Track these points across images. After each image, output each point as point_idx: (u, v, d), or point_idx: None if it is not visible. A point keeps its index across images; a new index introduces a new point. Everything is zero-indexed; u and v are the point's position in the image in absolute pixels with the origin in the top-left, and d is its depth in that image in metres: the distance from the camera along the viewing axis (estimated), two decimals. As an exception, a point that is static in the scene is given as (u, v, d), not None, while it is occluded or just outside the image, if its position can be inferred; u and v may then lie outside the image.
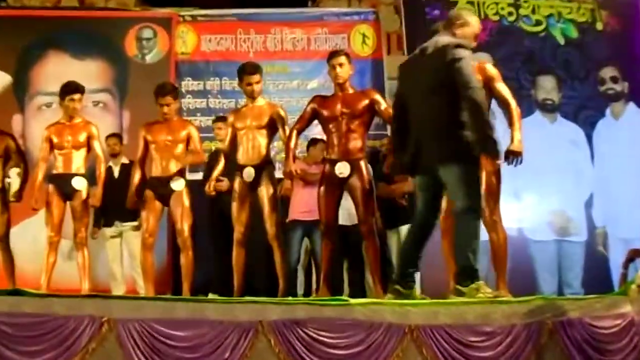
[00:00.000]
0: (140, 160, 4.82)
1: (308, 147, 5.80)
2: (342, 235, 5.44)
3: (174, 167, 4.71)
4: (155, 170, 4.75)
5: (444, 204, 3.79)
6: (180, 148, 4.74)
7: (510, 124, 3.67)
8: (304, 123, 4.46)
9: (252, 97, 4.66)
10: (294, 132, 4.42)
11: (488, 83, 3.71)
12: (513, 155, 3.48)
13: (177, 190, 4.66)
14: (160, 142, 4.72)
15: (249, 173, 4.54)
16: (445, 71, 3.31)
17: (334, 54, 4.43)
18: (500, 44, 6.79)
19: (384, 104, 4.34)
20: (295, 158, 4.43)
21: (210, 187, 4.71)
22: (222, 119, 5.57)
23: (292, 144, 4.37)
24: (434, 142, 3.36)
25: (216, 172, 4.73)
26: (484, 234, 3.71)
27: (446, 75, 3.32)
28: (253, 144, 4.57)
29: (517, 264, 5.59)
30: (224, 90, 6.77)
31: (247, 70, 4.64)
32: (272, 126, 4.60)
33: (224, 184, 4.99)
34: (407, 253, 3.55)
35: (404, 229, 5.44)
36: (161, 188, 4.68)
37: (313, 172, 5.24)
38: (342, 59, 4.35)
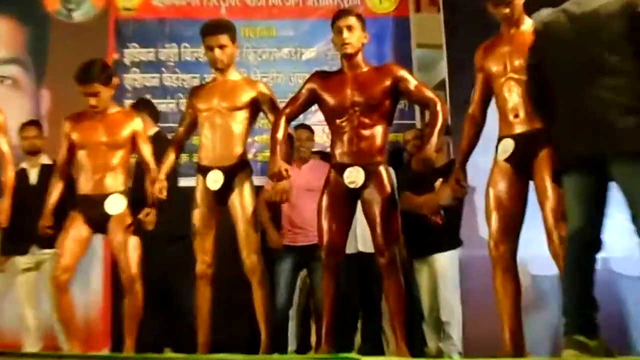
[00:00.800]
0: (63, 167, 4.88)
1: None
2: (356, 266, 5.57)
3: (112, 181, 4.77)
4: (85, 186, 4.77)
5: (495, 221, 3.92)
6: (121, 153, 4.80)
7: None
8: (297, 107, 4.49)
9: (216, 68, 4.71)
10: (282, 119, 4.44)
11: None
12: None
13: (116, 214, 4.72)
14: (91, 145, 4.77)
15: (215, 178, 4.57)
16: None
17: (340, 14, 4.45)
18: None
19: (414, 81, 4.37)
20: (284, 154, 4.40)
21: (157, 190, 4.64)
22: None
23: (279, 134, 4.38)
24: (609, 123, 3.36)
25: (162, 171, 4.69)
26: (548, 263, 3.79)
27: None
28: (222, 136, 4.61)
29: (600, 307, 5.71)
30: (184, 61, 6.88)
31: (208, 30, 4.69)
32: (252, 111, 4.65)
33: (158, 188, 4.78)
34: (577, 289, 3.53)
35: (440, 258, 5.60)
36: (93, 211, 4.72)
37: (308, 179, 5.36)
38: (352, 19, 4.36)
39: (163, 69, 6.90)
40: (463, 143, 4.24)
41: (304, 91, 4.48)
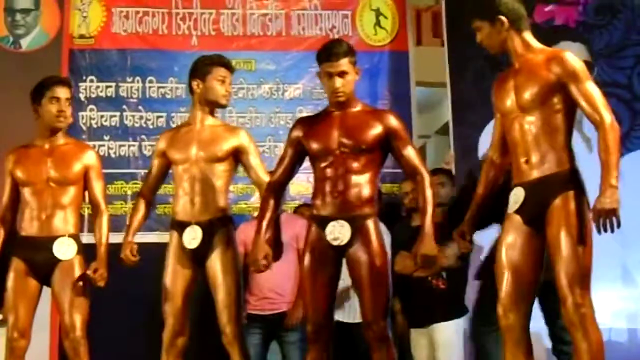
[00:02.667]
0: (6, 210, 4.87)
1: None
2: (342, 338, 5.55)
3: (61, 222, 4.76)
4: (30, 227, 4.77)
5: (505, 284, 3.90)
6: (72, 191, 4.79)
7: (605, 153, 3.78)
8: (285, 172, 4.46)
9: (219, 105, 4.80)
10: (270, 194, 4.44)
11: (563, 82, 3.85)
12: (602, 216, 3.60)
13: (63, 260, 4.70)
14: (38, 181, 4.76)
15: (193, 235, 4.58)
16: None
17: (330, 57, 4.32)
18: (600, 29, 6.94)
19: (408, 143, 4.35)
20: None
21: (127, 251, 4.62)
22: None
23: (268, 212, 4.39)
24: None
25: (132, 229, 4.73)
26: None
27: None
28: (202, 187, 4.62)
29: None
30: (149, 98, 6.89)
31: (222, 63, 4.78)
32: (233, 162, 4.71)
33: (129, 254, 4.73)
34: None
35: (442, 329, 5.59)
36: (38, 256, 4.71)
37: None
38: (344, 63, 4.29)
39: (124, 107, 6.88)
40: (477, 191, 4.21)
41: (288, 148, 4.46)
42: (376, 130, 4.29)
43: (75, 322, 4.66)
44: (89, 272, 4.65)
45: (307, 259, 4.30)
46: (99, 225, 4.79)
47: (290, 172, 4.49)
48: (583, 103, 3.78)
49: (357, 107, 4.40)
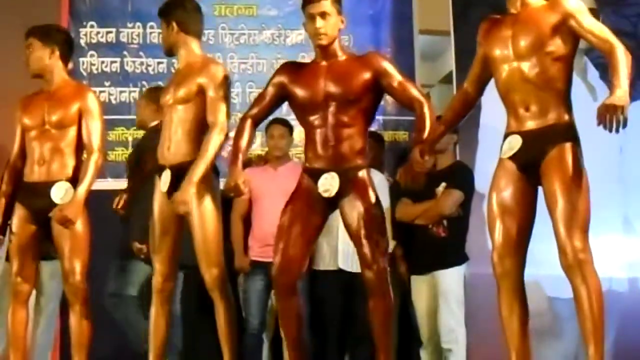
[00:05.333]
0: (16, 158, 4.86)
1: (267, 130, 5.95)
2: (338, 285, 5.58)
3: (59, 167, 4.73)
4: (30, 174, 4.77)
5: (499, 231, 3.88)
6: (70, 134, 4.75)
7: (618, 65, 3.74)
8: (264, 108, 4.46)
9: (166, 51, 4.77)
10: (247, 122, 4.43)
11: (567, 22, 3.83)
12: (609, 111, 3.56)
13: (61, 205, 4.64)
14: (37, 125, 4.75)
15: (165, 179, 4.53)
16: None
17: None
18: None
19: (397, 77, 4.30)
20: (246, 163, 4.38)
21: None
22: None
23: (242, 141, 4.38)
24: None
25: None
26: (560, 284, 3.80)
27: None
28: (175, 130, 4.56)
29: (627, 335, 5.75)
30: (150, 44, 6.84)
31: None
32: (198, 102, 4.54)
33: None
34: None
35: (442, 276, 5.62)
36: (38, 201, 4.70)
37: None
38: (325, 4, 4.28)
39: (125, 53, 6.86)
40: (447, 113, 4.25)
41: (270, 87, 4.44)
42: (364, 76, 4.27)
43: (74, 267, 4.65)
44: (51, 213, 4.59)
45: (289, 208, 4.33)
46: (84, 165, 4.69)
47: (268, 111, 4.51)
48: (589, 36, 3.80)
49: (343, 57, 4.38)
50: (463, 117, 4.23)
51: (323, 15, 4.26)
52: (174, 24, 4.65)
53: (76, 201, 4.59)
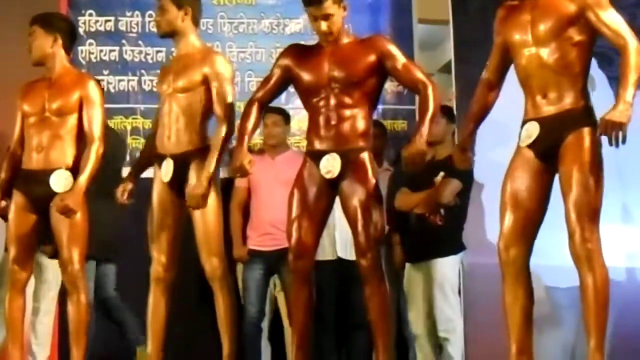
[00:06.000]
0: (16, 144, 4.86)
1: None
2: (336, 274, 5.59)
3: (58, 154, 4.73)
4: (28, 161, 4.78)
5: (509, 218, 3.89)
6: (70, 122, 4.75)
7: (626, 70, 3.75)
8: (270, 90, 4.50)
9: (164, 37, 4.81)
10: (253, 106, 4.47)
11: (585, 12, 3.82)
12: (609, 127, 3.59)
13: (59, 193, 4.66)
14: (36, 112, 4.76)
15: (166, 168, 4.58)
16: None
17: (311, 0, 4.31)
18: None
19: (402, 59, 4.32)
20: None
21: (119, 193, 4.72)
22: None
23: (248, 123, 4.42)
24: None
25: (134, 169, 4.80)
26: (568, 272, 3.80)
27: None
28: (176, 119, 4.61)
29: (626, 326, 5.71)
30: (148, 32, 6.77)
31: None
32: (208, 89, 4.61)
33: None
34: None
35: (439, 265, 5.61)
36: (36, 189, 4.71)
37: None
38: (327, 5, 4.27)
39: (124, 41, 6.84)
40: (474, 107, 4.21)
41: (276, 70, 4.48)
42: (369, 58, 4.31)
43: (73, 256, 4.67)
44: (52, 203, 4.62)
45: (296, 191, 4.37)
46: (85, 154, 4.70)
47: (274, 93, 4.54)
48: (605, 29, 3.79)
49: (347, 40, 4.42)
50: (490, 107, 4.19)
51: (326, 17, 4.29)
52: (188, 9, 4.67)
53: (77, 190, 4.60)
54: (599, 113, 3.67)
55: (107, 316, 5.75)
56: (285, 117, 6.02)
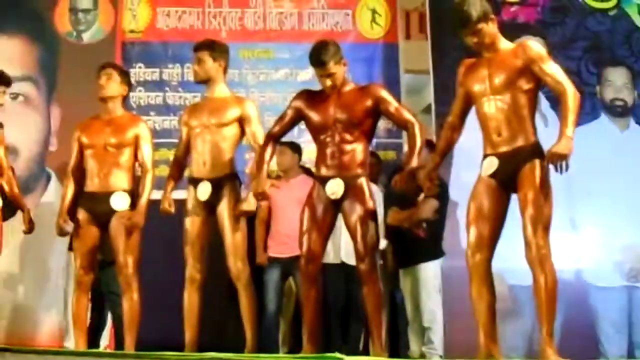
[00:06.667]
0: (74, 170, 4.95)
1: None
2: (341, 275, 5.63)
3: (117, 179, 4.83)
4: (91, 184, 4.86)
5: (473, 231, 3.93)
6: (126, 154, 4.86)
7: (565, 111, 3.83)
8: (284, 127, 4.54)
9: (200, 83, 4.86)
10: (270, 140, 4.53)
11: (530, 66, 3.90)
12: (554, 159, 3.71)
13: (118, 211, 4.77)
14: (98, 145, 4.85)
15: (204, 189, 4.65)
16: None
17: (316, 63, 4.35)
18: (555, 26, 6.94)
19: (394, 103, 4.38)
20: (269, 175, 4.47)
21: (166, 204, 4.78)
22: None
23: (266, 155, 4.49)
24: None
25: (169, 187, 4.83)
26: (524, 274, 3.84)
27: None
28: (211, 149, 4.69)
29: (573, 317, 5.85)
30: (186, 81, 6.87)
31: (194, 48, 4.85)
32: (239, 126, 4.72)
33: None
34: None
35: (423, 268, 5.66)
36: (98, 207, 4.79)
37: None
38: (331, 65, 4.31)
39: (166, 88, 7.00)
40: (440, 144, 4.27)
41: (289, 111, 4.52)
42: (367, 103, 4.33)
43: (127, 261, 4.75)
44: (122, 219, 4.72)
45: (307, 209, 4.39)
46: (142, 182, 4.83)
47: (287, 129, 4.57)
48: (547, 78, 3.85)
49: (349, 87, 4.43)
50: (453, 145, 4.25)
51: (330, 75, 4.34)
52: (222, 62, 4.80)
53: (140, 210, 4.74)
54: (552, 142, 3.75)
55: (101, 308, 5.62)
56: (292, 147, 5.98)
